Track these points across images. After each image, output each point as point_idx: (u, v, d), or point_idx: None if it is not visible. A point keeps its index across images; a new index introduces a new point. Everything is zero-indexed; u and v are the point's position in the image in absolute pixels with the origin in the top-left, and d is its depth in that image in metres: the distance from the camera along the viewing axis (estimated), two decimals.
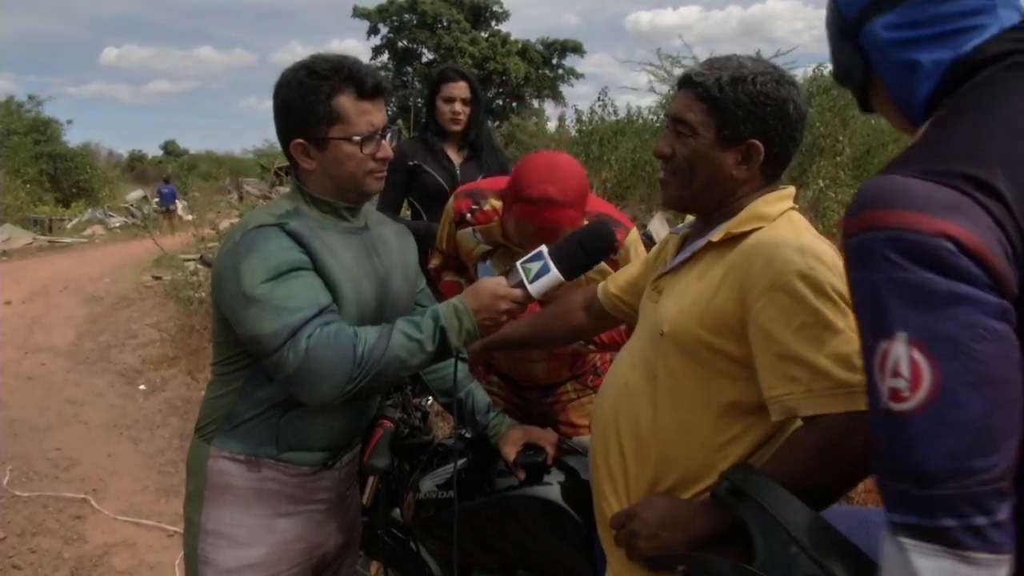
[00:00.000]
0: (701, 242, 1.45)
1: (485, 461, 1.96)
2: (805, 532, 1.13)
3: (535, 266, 1.61)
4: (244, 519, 1.65)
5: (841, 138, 8.79)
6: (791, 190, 1.48)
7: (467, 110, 3.39)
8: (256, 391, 1.62)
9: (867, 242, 0.86)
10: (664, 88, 11.33)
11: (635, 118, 11.98)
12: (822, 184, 7.70)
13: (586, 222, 2.07)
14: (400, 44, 38.41)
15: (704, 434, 1.39)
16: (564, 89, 39.86)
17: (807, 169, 8.59)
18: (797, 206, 1.47)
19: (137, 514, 3.98)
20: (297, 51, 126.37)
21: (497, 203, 2.29)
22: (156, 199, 24.29)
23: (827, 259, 1.30)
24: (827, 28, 1.18)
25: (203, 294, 8.49)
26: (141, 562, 3.53)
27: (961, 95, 0.97)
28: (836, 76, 1.19)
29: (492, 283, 1.62)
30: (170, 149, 62.14)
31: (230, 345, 1.62)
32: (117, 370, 6.73)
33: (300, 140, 1.60)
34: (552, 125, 15.18)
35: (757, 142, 1.39)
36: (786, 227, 1.38)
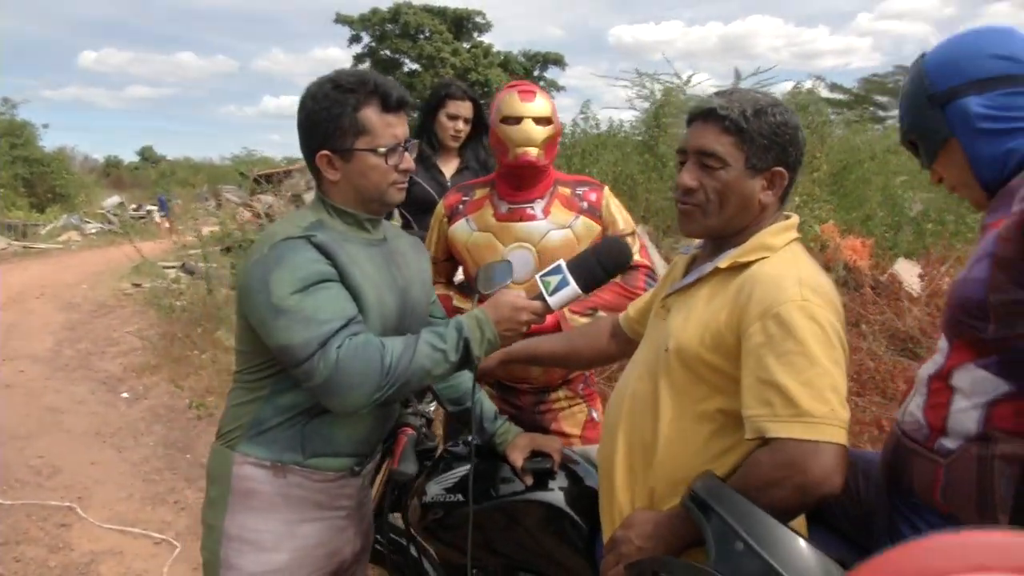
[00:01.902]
0: (709, 267, 1.52)
1: (491, 467, 2.01)
2: (754, 532, 1.22)
3: (554, 279, 1.69)
4: (268, 524, 1.68)
5: (818, 155, 8.93)
6: (795, 220, 1.55)
7: (467, 129, 3.47)
8: (282, 398, 1.65)
9: None
10: (644, 105, 11.49)
11: (616, 131, 12.10)
12: (798, 200, 7.82)
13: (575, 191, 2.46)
14: (382, 53, 38.42)
15: (700, 443, 1.46)
16: None
17: None
18: (800, 235, 1.54)
19: (123, 522, 3.96)
20: (279, 58, 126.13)
21: (484, 191, 2.50)
22: (157, 207, 24.18)
23: (822, 292, 1.38)
24: (908, 95, 1.47)
25: (184, 302, 8.47)
26: (128, 570, 3.52)
27: None
28: (907, 134, 1.49)
29: (512, 296, 1.68)
30: (147, 155, 61.44)
31: (256, 354, 1.66)
32: (98, 378, 6.68)
33: (326, 152, 1.64)
34: None
35: (781, 169, 1.48)
36: (788, 259, 1.46)
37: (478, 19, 39.61)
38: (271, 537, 1.68)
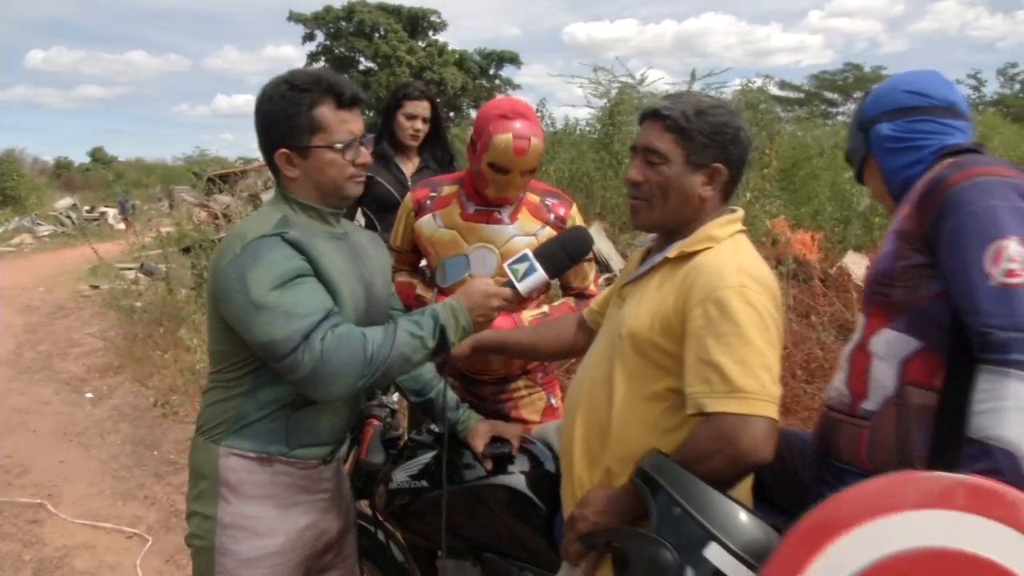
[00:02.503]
0: (659, 257, 1.67)
1: (455, 453, 2.11)
2: (692, 499, 1.36)
3: (522, 267, 1.82)
4: (260, 511, 1.74)
5: (768, 152, 9.18)
6: (740, 213, 1.70)
7: (425, 128, 3.60)
8: (262, 393, 1.72)
9: (987, 183, 1.42)
10: (600, 102, 11.69)
11: (572, 129, 12.25)
12: (749, 196, 8.05)
13: (544, 201, 2.49)
14: (337, 51, 38.20)
15: (652, 421, 1.60)
16: None
17: None
18: (746, 228, 1.70)
19: (94, 517, 4.05)
20: (231, 56, 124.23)
21: (453, 188, 2.53)
22: (117, 209, 23.82)
23: (760, 279, 1.52)
24: (851, 123, 1.82)
25: (144, 303, 8.47)
26: (102, 563, 3.61)
27: (959, 155, 1.57)
28: (847, 154, 1.84)
29: (483, 283, 1.78)
30: (98, 156, 60.16)
31: (233, 353, 1.71)
32: (61, 379, 6.69)
33: (284, 150, 1.70)
34: None
35: (720, 165, 1.62)
36: (731, 249, 1.60)
37: (433, 18, 39.61)
38: (265, 523, 1.75)
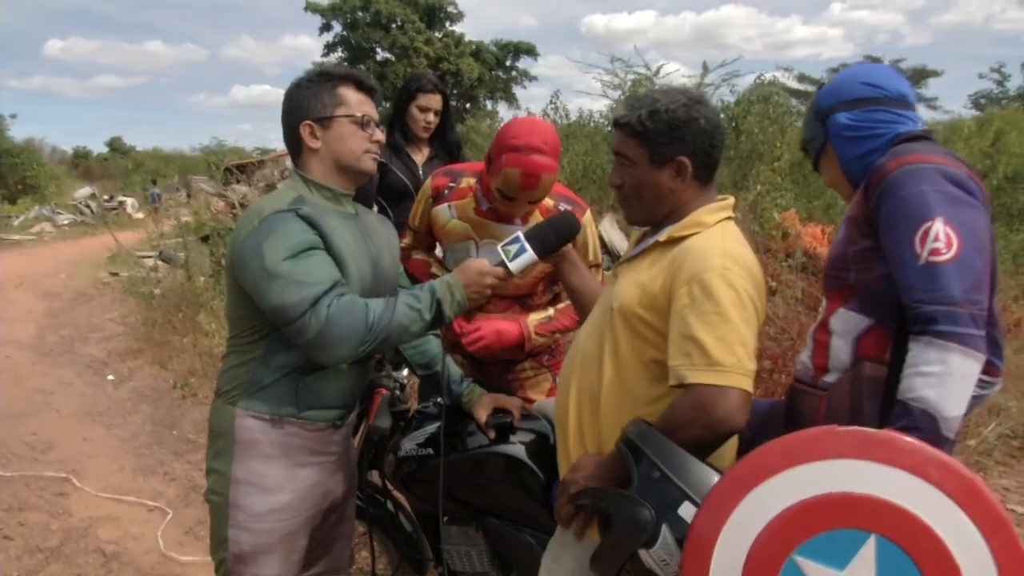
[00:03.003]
0: (650, 240, 1.80)
1: (459, 424, 2.25)
2: (670, 463, 1.49)
3: (513, 248, 1.95)
4: (271, 469, 1.89)
5: (779, 145, 9.22)
6: (730, 201, 1.82)
7: (436, 120, 3.73)
8: (275, 358, 1.86)
9: (918, 169, 1.55)
10: (616, 94, 11.76)
11: (586, 121, 12.32)
12: (759, 189, 8.11)
13: (558, 206, 2.53)
14: (354, 42, 38.33)
15: (638, 391, 1.73)
16: (517, 91, 40.35)
17: (747, 174, 9.02)
18: (736, 215, 1.82)
19: (117, 491, 4.22)
20: (248, 46, 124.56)
21: (472, 181, 2.61)
22: (149, 199, 24.03)
23: (743, 262, 1.65)
24: (806, 114, 1.92)
25: (162, 290, 8.66)
26: (126, 534, 3.78)
27: (908, 142, 1.70)
28: (803, 144, 1.94)
29: (477, 263, 1.92)
30: (116, 146, 60.52)
31: (248, 318, 1.86)
32: (83, 362, 6.90)
33: (308, 122, 1.88)
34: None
35: (683, 158, 1.73)
36: (718, 235, 1.72)
37: (450, 8, 39.57)
38: (274, 480, 1.89)
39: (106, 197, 28.33)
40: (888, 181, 1.57)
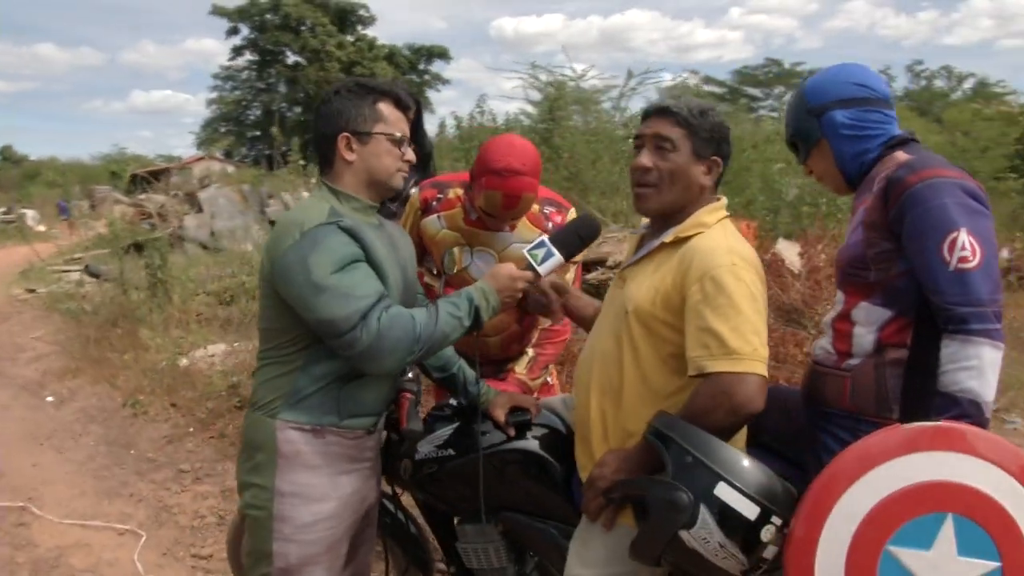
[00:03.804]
0: (656, 243, 1.90)
1: (473, 424, 2.28)
2: (700, 448, 1.60)
3: (540, 252, 2.02)
4: (314, 479, 1.90)
5: None
6: (724, 201, 1.93)
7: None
8: (316, 368, 1.87)
9: (939, 183, 1.69)
10: (536, 96, 11.90)
11: (513, 125, 12.44)
12: None
13: (542, 209, 2.66)
14: (263, 45, 37.55)
15: (658, 385, 1.84)
16: (431, 95, 40.34)
17: None
18: (729, 214, 1.93)
19: (83, 516, 4.08)
20: (149, 50, 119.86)
21: (459, 191, 2.69)
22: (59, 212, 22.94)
23: (747, 258, 1.78)
24: (792, 109, 2.02)
25: (91, 305, 8.36)
26: (99, 560, 3.66)
27: (900, 146, 1.86)
28: (791, 137, 2.03)
29: (507, 268, 1.99)
30: (7, 155, 57.57)
31: (287, 329, 1.87)
32: (16, 384, 6.60)
33: (347, 134, 1.89)
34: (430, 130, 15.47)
35: (718, 159, 1.87)
36: (720, 233, 1.84)
37: (362, 12, 39.30)
38: (319, 490, 1.91)
39: (2, 209, 26.98)
40: (912, 194, 1.71)
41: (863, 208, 1.85)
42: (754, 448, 1.92)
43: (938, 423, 1.48)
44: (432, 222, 2.70)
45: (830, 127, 1.92)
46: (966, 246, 1.64)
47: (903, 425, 1.49)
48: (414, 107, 1.99)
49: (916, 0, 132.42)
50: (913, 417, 1.64)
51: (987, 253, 1.65)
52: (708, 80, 22.88)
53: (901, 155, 1.84)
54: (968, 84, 27.44)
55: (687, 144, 1.84)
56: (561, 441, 2.20)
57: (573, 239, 2.08)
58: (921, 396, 1.71)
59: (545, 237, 2.07)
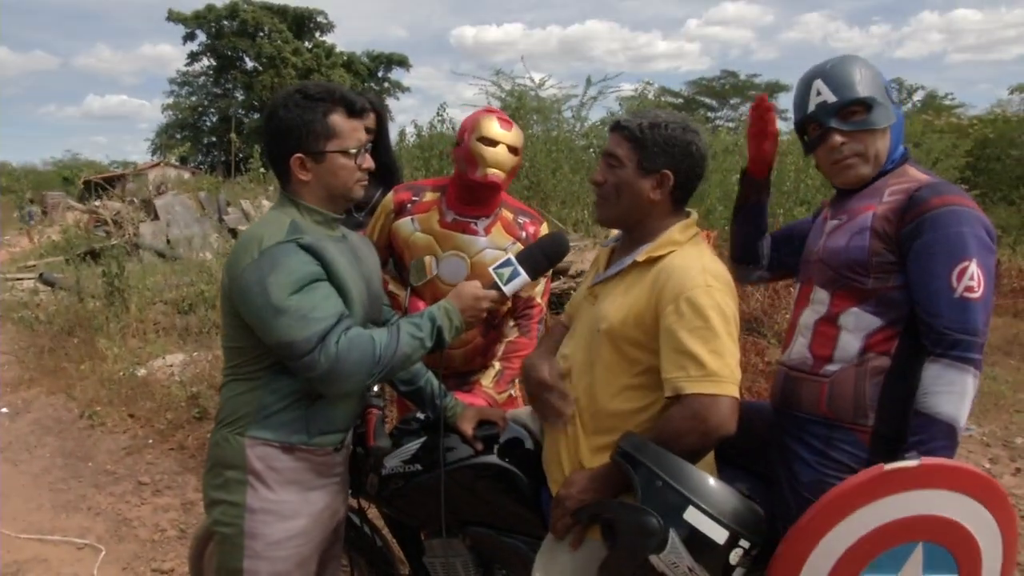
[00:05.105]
0: (628, 261, 1.90)
1: (443, 438, 2.27)
2: (670, 472, 1.63)
3: (507, 271, 2.04)
4: (286, 496, 1.89)
5: None
6: (695, 217, 1.95)
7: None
8: (278, 383, 1.86)
9: (961, 212, 1.75)
10: (496, 105, 11.89)
11: None
12: None
13: (516, 219, 2.72)
14: (220, 51, 37.11)
15: (627, 402, 1.86)
16: (391, 102, 40.19)
17: None
18: (700, 231, 1.95)
19: (40, 531, 3.99)
20: (104, 54, 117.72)
21: (435, 196, 2.72)
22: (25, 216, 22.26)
23: (721, 277, 1.79)
24: (864, 77, 1.95)
25: (46, 315, 8.18)
26: (58, 575, 3.60)
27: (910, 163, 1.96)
28: (855, 102, 1.94)
29: (472, 287, 1.98)
30: None
31: (250, 348, 1.84)
32: None
33: (299, 155, 1.84)
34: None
35: (668, 172, 1.86)
36: (693, 252, 1.85)
37: (319, 19, 39.00)
38: (291, 506, 1.90)
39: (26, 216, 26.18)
40: (934, 216, 1.76)
41: (872, 214, 1.87)
42: (719, 463, 1.94)
43: (917, 463, 1.57)
44: (405, 224, 2.72)
45: (898, 114, 1.95)
46: (975, 276, 1.71)
47: (885, 466, 1.56)
48: (370, 109, 1.95)
49: (869, 14, 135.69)
50: (888, 424, 1.75)
51: (989, 288, 1.73)
52: (664, 91, 23.04)
53: (918, 172, 1.90)
54: (918, 96, 28.00)
55: (634, 158, 1.86)
56: (529, 455, 2.21)
57: (540, 258, 2.10)
58: (899, 405, 1.78)
59: (512, 256, 2.08)
